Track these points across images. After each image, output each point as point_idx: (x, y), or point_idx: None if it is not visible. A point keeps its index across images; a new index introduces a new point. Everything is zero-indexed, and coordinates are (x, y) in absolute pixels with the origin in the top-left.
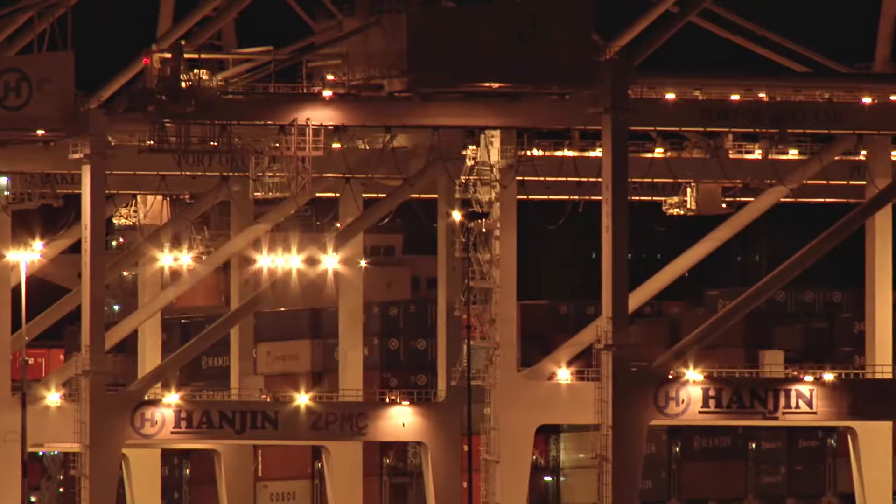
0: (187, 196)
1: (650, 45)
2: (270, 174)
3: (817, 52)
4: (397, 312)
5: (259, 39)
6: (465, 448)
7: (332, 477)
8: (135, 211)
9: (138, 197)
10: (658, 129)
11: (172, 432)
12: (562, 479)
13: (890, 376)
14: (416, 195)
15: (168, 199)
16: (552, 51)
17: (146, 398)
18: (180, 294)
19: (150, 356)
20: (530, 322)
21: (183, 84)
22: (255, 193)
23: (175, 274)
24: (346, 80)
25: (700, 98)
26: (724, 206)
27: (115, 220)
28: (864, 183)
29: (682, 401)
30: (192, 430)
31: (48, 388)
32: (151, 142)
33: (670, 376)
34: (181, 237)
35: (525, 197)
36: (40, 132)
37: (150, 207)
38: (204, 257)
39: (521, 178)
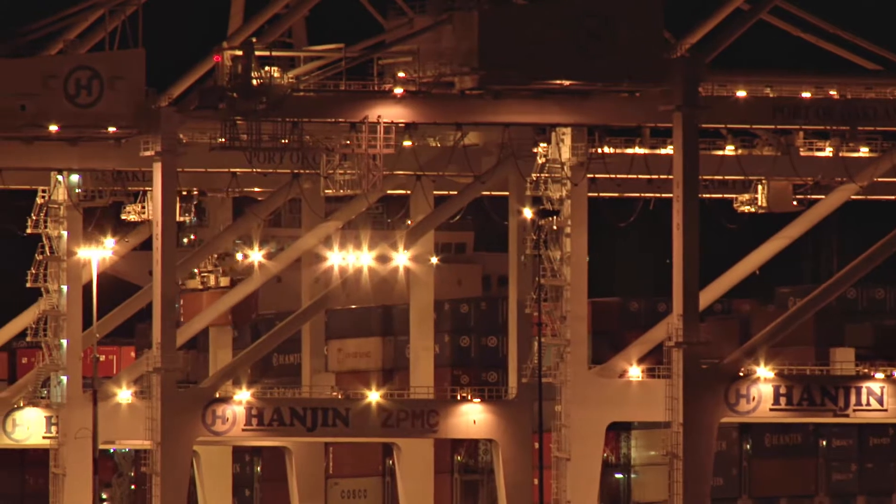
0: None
1: (721, 43)
2: (341, 171)
3: (888, 49)
4: (468, 309)
5: (330, 37)
6: (536, 445)
7: (403, 474)
8: (143, 207)
9: (149, 193)
10: (729, 126)
11: (243, 429)
12: (633, 476)
13: None
14: (487, 192)
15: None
16: (623, 48)
17: (217, 395)
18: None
19: (220, 353)
20: (601, 319)
21: (254, 81)
22: (326, 191)
23: (247, 271)
24: (417, 78)
25: (771, 95)
26: (794, 203)
27: (123, 216)
28: None
29: (753, 398)
30: (263, 427)
31: (119, 385)
32: (222, 139)
33: (741, 374)
34: (252, 235)
35: (596, 194)
36: (111, 129)
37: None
38: (214, 277)
39: (591, 175)
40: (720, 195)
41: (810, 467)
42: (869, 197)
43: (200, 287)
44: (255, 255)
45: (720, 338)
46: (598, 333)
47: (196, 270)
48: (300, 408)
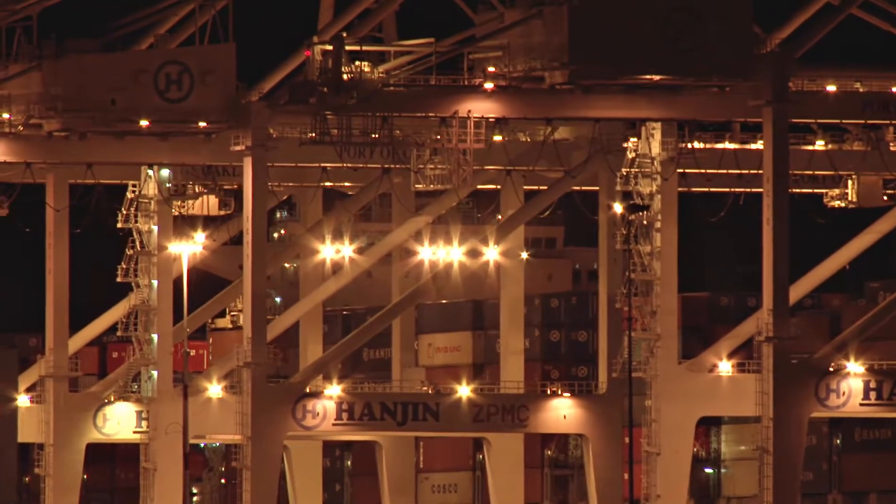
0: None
1: (811, 38)
2: (432, 166)
3: None
4: (558, 304)
5: (420, 31)
6: (627, 440)
7: (493, 469)
8: (182, 204)
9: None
10: (819, 121)
11: (334, 424)
12: (723, 471)
13: None
14: (577, 187)
15: (218, 191)
16: (713, 43)
17: (308, 390)
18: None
19: (311, 348)
20: (691, 314)
21: (344, 76)
22: (417, 185)
23: (336, 266)
24: (507, 72)
25: (861, 90)
26: (884, 198)
27: None
28: None
29: (843, 393)
30: (353, 421)
31: (210, 380)
32: (313, 134)
33: (831, 368)
34: (343, 229)
35: (686, 189)
36: (202, 124)
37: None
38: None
39: (681, 170)
40: (810, 190)
41: None
42: None
43: (230, 326)
44: (346, 250)
45: (810, 332)
46: (688, 328)
47: (227, 309)
48: (390, 402)
